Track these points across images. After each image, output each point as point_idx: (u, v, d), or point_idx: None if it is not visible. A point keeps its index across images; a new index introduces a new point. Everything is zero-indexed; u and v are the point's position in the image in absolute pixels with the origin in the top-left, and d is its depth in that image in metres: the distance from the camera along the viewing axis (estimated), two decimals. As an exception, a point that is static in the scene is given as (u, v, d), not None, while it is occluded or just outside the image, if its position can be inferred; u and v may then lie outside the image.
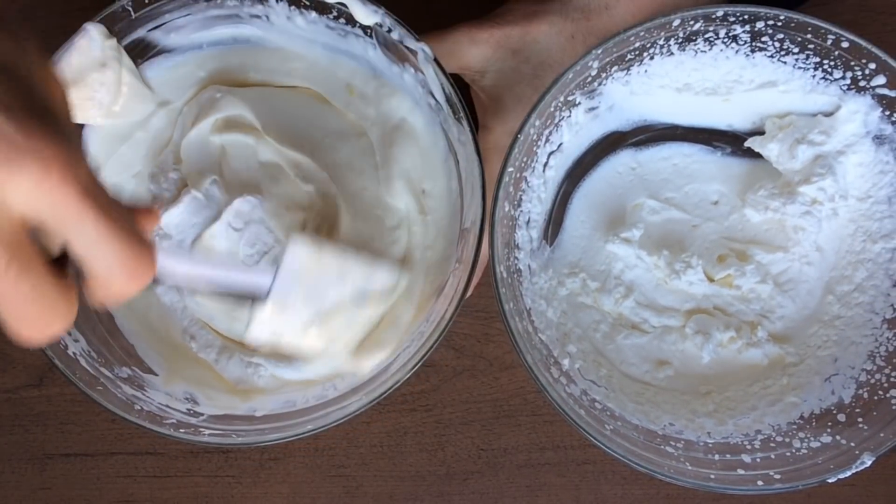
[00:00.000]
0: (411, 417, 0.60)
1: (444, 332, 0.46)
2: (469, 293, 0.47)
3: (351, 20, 0.50)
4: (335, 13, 0.50)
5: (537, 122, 0.48)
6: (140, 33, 0.51)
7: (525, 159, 0.50)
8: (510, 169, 0.47)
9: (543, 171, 0.53)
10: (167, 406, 0.50)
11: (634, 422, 0.51)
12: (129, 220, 0.32)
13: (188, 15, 0.51)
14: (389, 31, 0.49)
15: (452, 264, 0.50)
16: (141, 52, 0.52)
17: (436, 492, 0.60)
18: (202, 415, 0.50)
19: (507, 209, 0.49)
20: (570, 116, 0.52)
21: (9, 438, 0.62)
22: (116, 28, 0.49)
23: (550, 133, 0.52)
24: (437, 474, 0.60)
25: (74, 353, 0.49)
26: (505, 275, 0.48)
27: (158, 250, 0.34)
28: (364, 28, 0.50)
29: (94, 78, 0.49)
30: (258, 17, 0.52)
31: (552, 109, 0.49)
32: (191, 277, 0.38)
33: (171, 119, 0.54)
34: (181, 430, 0.48)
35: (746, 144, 0.54)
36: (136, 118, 0.53)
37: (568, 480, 0.59)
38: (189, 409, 0.50)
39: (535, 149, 0.51)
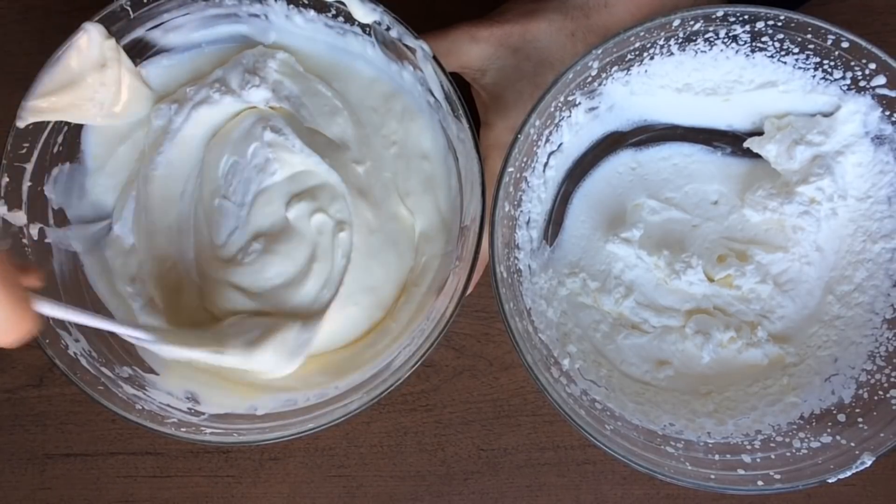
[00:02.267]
0: (411, 417, 0.60)
1: (444, 330, 0.46)
2: (469, 291, 0.47)
3: (349, 18, 0.50)
4: (334, 11, 0.50)
5: (537, 122, 0.48)
6: (139, 33, 0.51)
7: (525, 159, 0.50)
8: (510, 169, 0.47)
9: (543, 171, 0.53)
10: (168, 405, 0.50)
11: (634, 422, 0.51)
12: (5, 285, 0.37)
13: (187, 14, 0.51)
14: (388, 28, 0.49)
15: (452, 262, 0.50)
16: (140, 52, 0.52)
17: (436, 492, 0.60)
18: (203, 414, 0.50)
19: (507, 209, 0.49)
20: (570, 116, 0.52)
21: (9, 438, 0.62)
22: (115, 28, 0.49)
23: (550, 133, 0.52)
24: (437, 474, 0.60)
25: (75, 353, 0.49)
26: (505, 275, 0.48)
27: (40, 304, 0.40)
28: (363, 26, 0.50)
29: (93, 78, 0.49)
30: (257, 16, 0.52)
31: (552, 109, 0.49)
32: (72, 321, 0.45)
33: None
34: (182, 430, 0.48)
35: (745, 145, 0.54)
36: (136, 118, 0.53)
37: (568, 480, 0.59)
38: (190, 409, 0.50)
39: (535, 149, 0.51)
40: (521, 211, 0.52)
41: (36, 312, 0.39)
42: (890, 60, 0.47)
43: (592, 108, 0.53)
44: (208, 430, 0.49)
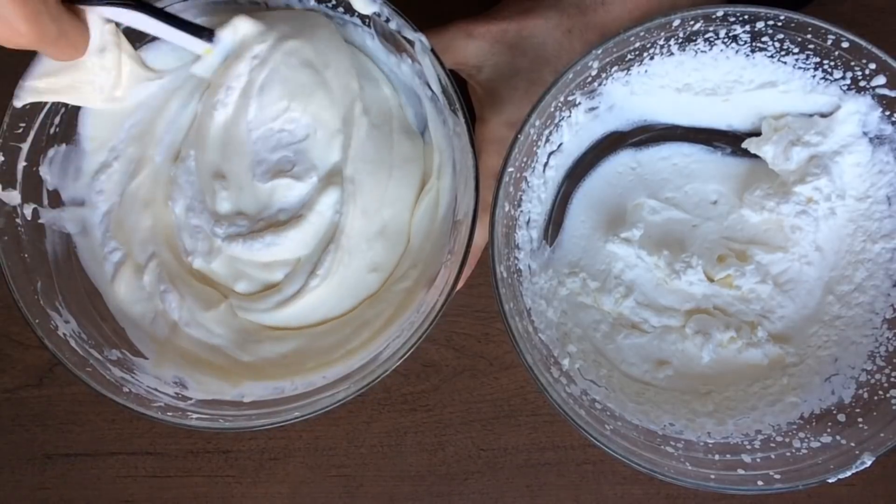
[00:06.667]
0: (411, 417, 0.60)
1: (433, 323, 0.46)
2: (460, 285, 0.47)
3: (349, 9, 0.50)
4: (334, 2, 0.50)
5: (537, 122, 0.48)
6: None
7: (525, 159, 0.50)
8: (510, 169, 0.47)
9: (543, 171, 0.53)
10: (156, 389, 0.50)
11: (634, 422, 0.51)
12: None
13: (186, 0, 0.51)
14: (387, 20, 0.49)
15: (444, 255, 0.50)
16: (140, 36, 0.51)
17: (436, 492, 0.60)
18: (190, 399, 0.50)
19: (507, 209, 0.49)
20: (570, 116, 0.52)
21: (9, 438, 0.62)
22: None
23: (550, 133, 0.52)
24: (437, 474, 0.60)
25: (64, 335, 0.49)
26: (505, 275, 0.48)
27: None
28: (362, 17, 0.50)
29: (93, 62, 0.48)
30: (257, 3, 0.52)
31: (552, 109, 0.49)
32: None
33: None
34: (169, 414, 0.48)
35: (743, 146, 0.54)
36: (135, 102, 0.53)
37: (568, 480, 0.59)
38: (177, 393, 0.50)
39: (535, 149, 0.51)
40: (521, 211, 0.52)
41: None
42: (890, 60, 0.47)
43: (592, 108, 0.53)
44: (194, 416, 0.48)
